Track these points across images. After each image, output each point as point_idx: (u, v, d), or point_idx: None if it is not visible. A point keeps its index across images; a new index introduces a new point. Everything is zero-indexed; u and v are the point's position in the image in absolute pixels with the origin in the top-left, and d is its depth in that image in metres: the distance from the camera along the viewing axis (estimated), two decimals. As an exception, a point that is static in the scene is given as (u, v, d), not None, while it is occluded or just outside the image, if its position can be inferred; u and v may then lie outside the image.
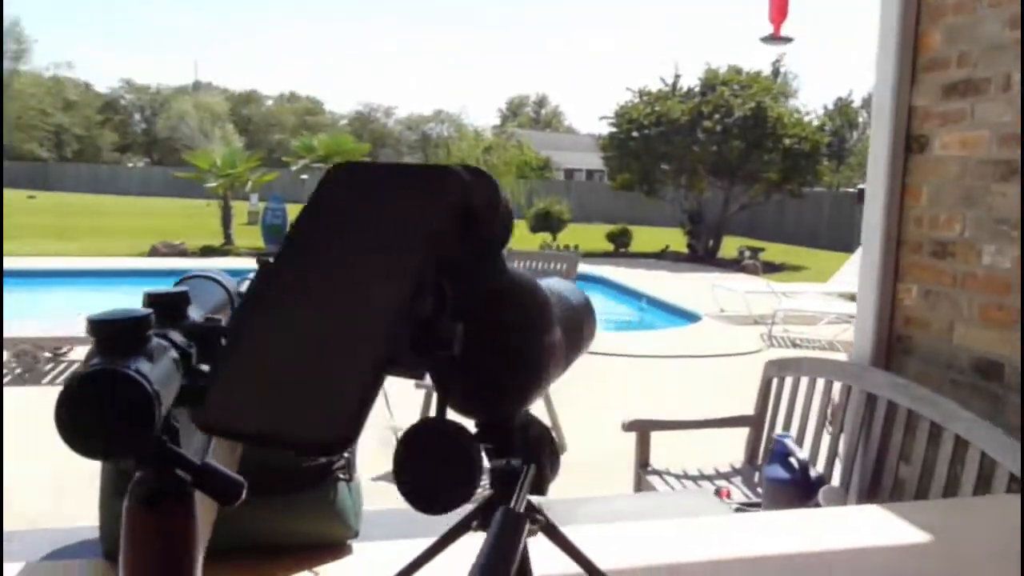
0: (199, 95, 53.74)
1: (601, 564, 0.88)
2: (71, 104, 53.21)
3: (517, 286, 0.61)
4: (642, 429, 3.52)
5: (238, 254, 14.81)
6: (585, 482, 4.23)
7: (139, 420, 0.50)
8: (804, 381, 3.21)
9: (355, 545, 0.66)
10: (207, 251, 14.78)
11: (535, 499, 0.71)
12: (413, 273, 0.45)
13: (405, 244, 0.47)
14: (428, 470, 0.73)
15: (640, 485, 3.47)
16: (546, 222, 19.28)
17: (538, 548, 0.75)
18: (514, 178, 27.87)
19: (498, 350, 0.60)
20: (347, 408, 0.42)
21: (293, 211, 17.35)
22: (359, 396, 0.42)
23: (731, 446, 3.52)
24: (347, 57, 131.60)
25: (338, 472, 1.02)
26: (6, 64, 52.10)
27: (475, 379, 0.60)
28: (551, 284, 0.71)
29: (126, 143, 58.28)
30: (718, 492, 3.32)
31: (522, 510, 0.64)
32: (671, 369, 7.10)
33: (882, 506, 1.36)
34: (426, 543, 0.90)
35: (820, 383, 3.10)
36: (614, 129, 18.03)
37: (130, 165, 50.52)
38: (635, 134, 17.20)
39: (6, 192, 37.24)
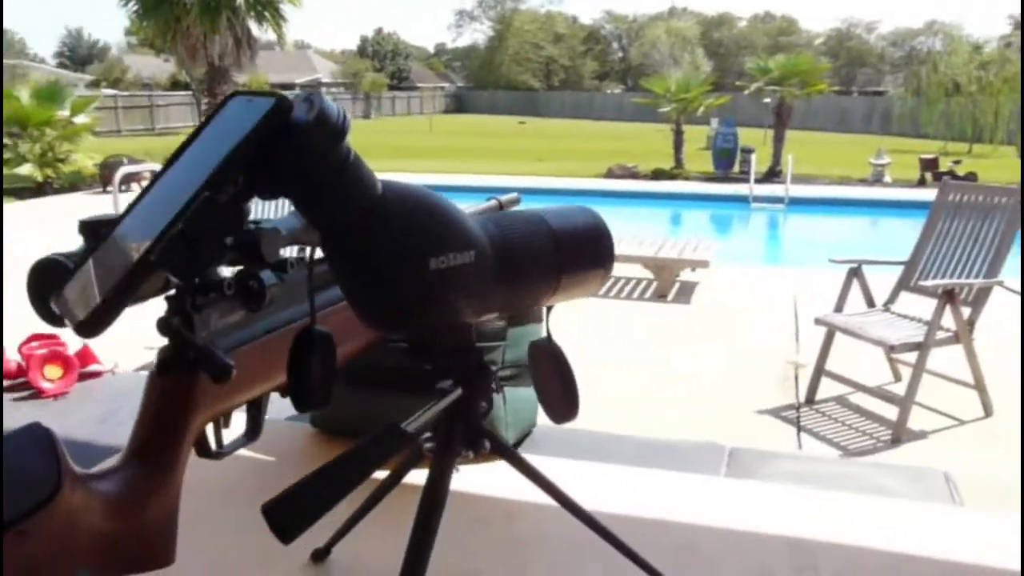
0: (672, 21, 55.08)
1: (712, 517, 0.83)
2: (559, 37, 58.32)
3: (390, 210, 0.60)
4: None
5: (687, 178, 15.12)
6: (976, 453, 3.68)
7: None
8: None
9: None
10: (657, 174, 15.32)
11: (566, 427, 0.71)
12: (193, 190, 0.50)
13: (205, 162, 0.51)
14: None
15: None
16: (1044, 151, 16.27)
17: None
18: (1017, 98, 23.69)
19: (360, 271, 0.61)
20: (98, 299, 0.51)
21: (748, 136, 17.12)
22: (108, 291, 0.50)
23: None
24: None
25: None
26: (508, 4, 58.79)
27: (354, 299, 0.62)
28: (514, 212, 0.68)
29: (604, 71, 62.30)
30: None
31: (406, 427, 0.65)
32: None
33: None
34: (577, 465, 0.93)
35: None
36: None
37: (608, 92, 53.99)
38: None
39: (501, 117, 42.59)
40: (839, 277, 4.49)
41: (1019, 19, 15.46)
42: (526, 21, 56.82)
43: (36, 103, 11.86)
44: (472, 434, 0.75)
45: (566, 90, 54.33)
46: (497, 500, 1.00)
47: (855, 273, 4.34)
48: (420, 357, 0.72)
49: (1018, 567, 0.90)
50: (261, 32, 17.20)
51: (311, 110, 0.56)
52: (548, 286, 0.72)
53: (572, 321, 5.20)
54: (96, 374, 3.17)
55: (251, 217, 0.83)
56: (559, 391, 0.77)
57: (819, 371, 4.29)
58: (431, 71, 62.42)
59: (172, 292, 0.67)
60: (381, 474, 1.00)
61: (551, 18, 59.46)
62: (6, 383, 2.99)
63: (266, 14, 16.33)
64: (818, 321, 4.25)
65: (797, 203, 12.27)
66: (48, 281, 0.64)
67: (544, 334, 0.77)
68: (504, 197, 1.61)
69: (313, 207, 0.62)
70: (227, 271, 0.78)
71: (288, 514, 0.61)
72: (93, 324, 0.53)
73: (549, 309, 0.78)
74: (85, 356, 3.17)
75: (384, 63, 55.21)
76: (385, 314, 0.66)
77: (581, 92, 52.49)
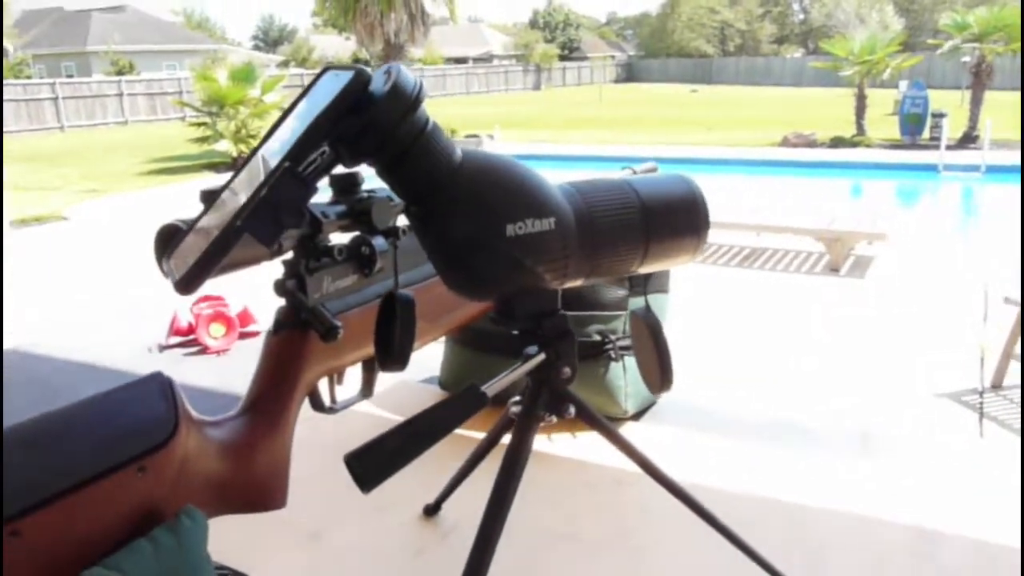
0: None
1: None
2: (736, 0, 56.05)
3: (466, 178, 0.60)
4: None
5: (869, 145, 14.17)
6: None
7: None
8: None
9: (628, 423, 0.73)
10: (837, 142, 14.48)
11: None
12: (277, 161, 0.52)
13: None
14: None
15: None
16: None
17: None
18: None
19: (438, 239, 0.61)
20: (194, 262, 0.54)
21: (941, 99, 15.80)
22: (200, 254, 0.53)
23: None
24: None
25: (610, 351, 1.07)
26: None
27: (437, 265, 0.62)
28: (602, 179, 0.67)
29: (783, 34, 59.33)
30: None
31: (486, 389, 0.65)
32: None
33: None
34: (697, 437, 0.92)
35: None
36: None
37: (786, 56, 51.40)
38: None
39: (672, 86, 41.56)
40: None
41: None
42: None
43: (232, 84, 12.76)
44: (556, 399, 0.76)
45: (742, 56, 52.22)
46: (608, 468, 1.00)
47: (1051, 248, 3.95)
48: (504, 321, 0.73)
49: None
50: (434, 8, 17.66)
51: (387, 81, 0.58)
52: (635, 253, 0.70)
53: (729, 292, 5.05)
54: (254, 334, 3.41)
55: (365, 186, 0.87)
56: (655, 362, 0.76)
57: (1007, 355, 3.95)
58: (602, 40, 61.85)
59: (288, 256, 0.72)
60: (482, 436, 1.03)
61: (733, -18, 57.26)
62: (180, 339, 3.30)
63: (439, -10, 16.77)
64: (1008, 300, 3.92)
65: (995, 171, 11.25)
66: (167, 244, 0.70)
67: (671, 304, 0.76)
68: (640, 166, 1.59)
69: (392, 176, 0.64)
70: (342, 237, 0.82)
71: (368, 465, 0.65)
72: (186, 282, 0.58)
73: (647, 278, 0.77)
74: (245, 317, 3.42)
75: (555, 34, 55.27)
76: (464, 280, 0.67)
77: (757, 57, 50.24)
